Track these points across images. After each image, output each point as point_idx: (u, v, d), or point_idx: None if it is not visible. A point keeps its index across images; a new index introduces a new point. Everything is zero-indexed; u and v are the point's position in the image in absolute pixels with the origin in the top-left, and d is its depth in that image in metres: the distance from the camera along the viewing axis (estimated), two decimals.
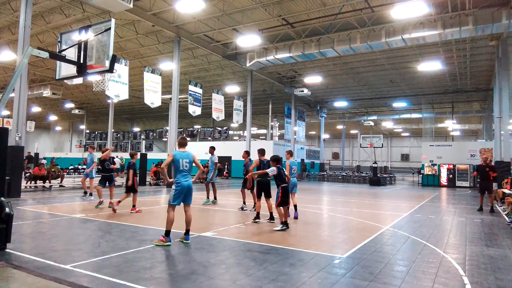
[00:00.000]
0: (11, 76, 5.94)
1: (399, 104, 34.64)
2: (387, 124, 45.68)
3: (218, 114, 23.43)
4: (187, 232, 6.14)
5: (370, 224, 8.55)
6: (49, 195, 13.38)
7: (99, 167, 11.19)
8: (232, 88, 28.02)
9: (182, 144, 6.41)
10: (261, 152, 9.48)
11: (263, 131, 51.13)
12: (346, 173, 33.93)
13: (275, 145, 32.10)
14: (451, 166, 25.54)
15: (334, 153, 59.76)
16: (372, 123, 42.36)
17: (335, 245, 6.37)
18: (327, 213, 10.78)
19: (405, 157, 55.43)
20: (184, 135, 40.73)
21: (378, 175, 27.61)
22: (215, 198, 11.94)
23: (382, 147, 31.75)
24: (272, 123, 37.45)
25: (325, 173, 33.88)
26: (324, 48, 18.66)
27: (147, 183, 20.37)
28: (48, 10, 16.98)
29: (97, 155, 12.17)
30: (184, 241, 6.08)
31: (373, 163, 27.62)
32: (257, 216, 8.36)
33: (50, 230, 7.08)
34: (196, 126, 44.35)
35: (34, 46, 6.27)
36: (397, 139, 56.66)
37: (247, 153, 11.39)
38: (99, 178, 10.87)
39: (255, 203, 9.11)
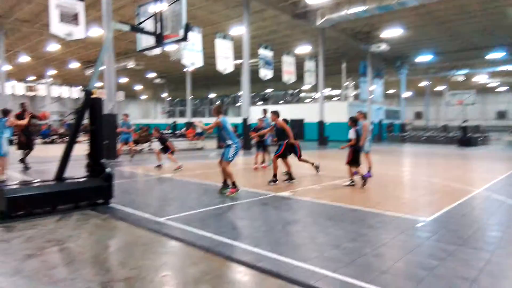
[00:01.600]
0: (99, 50, 6.49)
1: (494, 55, 30.28)
2: (480, 79, 40.52)
3: (289, 76, 23.10)
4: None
5: (459, 187, 7.93)
6: (141, 157, 14.82)
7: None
8: (303, 49, 27.16)
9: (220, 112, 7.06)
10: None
11: (337, 92, 49.30)
12: (431, 133, 31.41)
13: (349, 106, 30.86)
14: None
15: (417, 112, 55.49)
16: (461, 78, 38.00)
17: (418, 207, 6.08)
18: (408, 175, 10.25)
19: (501, 115, 49.27)
20: (256, 99, 41.26)
21: (469, 135, 25.11)
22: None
23: (473, 104, 28.57)
24: (347, 83, 35.83)
25: (406, 133, 31.85)
26: None
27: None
28: None
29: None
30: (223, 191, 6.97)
31: (463, 122, 25.11)
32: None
33: (144, 187, 7.92)
34: (268, 90, 44.50)
35: (117, 21, 6.72)
36: (491, 95, 50.29)
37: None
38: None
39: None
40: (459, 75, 37.00)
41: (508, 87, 46.26)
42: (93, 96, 6.15)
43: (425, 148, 22.38)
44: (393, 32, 23.56)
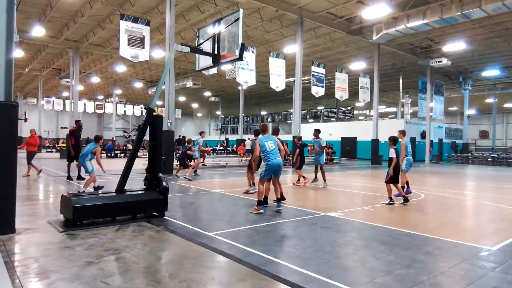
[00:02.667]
0: (161, 71, 6.96)
1: None
2: None
3: (341, 93, 22.77)
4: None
5: None
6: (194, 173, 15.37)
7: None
8: (357, 65, 26.68)
9: (264, 130, 7.39)
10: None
11: (393, 109, 47.41)
12: (497, 154, 28.83)
13: (406, 124, 29.48)
14: None
15: (482, 131, 51.30)
16: None
17: (482, 235, 5.59)
18: (472, 199, 9.48)
19: None
20: (307, 116, 41.06)
21: None
22: (315, 177, 11.45)
23: None
24: (403, 100, 34.35)
25: (470, 154, 29.57)
26: (468, 8, 15.96)
27: None
28: (187, 9, 19.11)
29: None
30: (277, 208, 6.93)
31: None
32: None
33: (196, 202, 8.20)
34: (320, 107, 44.12)
35: (178, 43, 7.18)
36: None
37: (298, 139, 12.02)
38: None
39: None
40: None
41: None
42: (154, 113, 6.57)
43: (490, 170, 20.57)
44: (455, 46, 22.34)
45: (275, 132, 8.50)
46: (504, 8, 15.40)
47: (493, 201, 8.91)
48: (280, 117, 46.47)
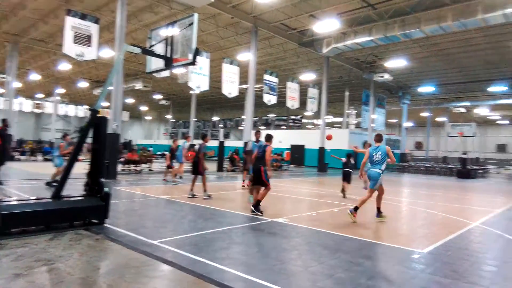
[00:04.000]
0: (109, 71, 6.68)
1: (496, 88, 30.56)
2: (481, 111, 40.74)
3: (292, 102, 23.38)
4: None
5: (456, 219, 7.86)
6: (140, 178, 14.84)
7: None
8: (308, 76, 27.62)
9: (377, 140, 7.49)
10: None
11: (339, 119, 49.63)
12: (430, 164, 31.33)
13: (351, 134, 31.01)
14: None
15: (417, 142, 55.54)
16: (462, 110, 38.24)
17: (415, 239, 6.01)
18: (407, 205, 10.18)
19: (501, 148, 49.17)
20: (259, 124, 41.59)
21: (468, 167, 25.02)
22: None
23: (474, 136, 28.64)
24: (349, 111, 36.12)
25: (406, 163, 31.74)
26: (409, 29, 17.28)
27: (224, 169, 21.33)
28: (139, 9, 18.53)
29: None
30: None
31: (462, 154, 25.09)
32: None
33: (140, 209, 7.91)
34: (271, 115, 44.93)
35: (128, 43, 6.95)
36: (492, 128, 50.37)
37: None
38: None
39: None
40: (460, 106, 37.27)
41: (509, 121, 46.41)
42: (99, 115, 6.26)
43: (424, 179, 22.27)
44: (396, 63, 24.00)
45: (204, 137, 9.62)
46: (440, 30, 16.89)
47: (425, 207, 9.64)
48: (232, 123, 46.56)
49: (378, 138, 7.49)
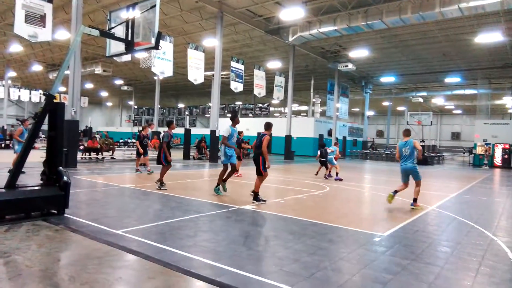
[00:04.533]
0: (65, 54, 6.30)
1: (451, 79, 32.30)
2: (438, 101, 43.00)
3: (259, 90, 23.38)
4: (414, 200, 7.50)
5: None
6: (102, 166, 14.32)
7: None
8: (274, 64, 27.67)
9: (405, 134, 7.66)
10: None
11: (305, 107, 50.38)
12: (390, 151, 32.74)
13: (316, 122, 31.62)
14: (507, 146, 23.77)
15: (379, 130, 57.71)
16: (421, 100, 40.09)
17: (376, 223, 6.28)
18: (368, 191, 10.58)
19: (455, 136, 52.27)
20: (226, 111, 41.31)
21: (426, 154, 26.41)
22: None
23: (431, 124, 30.22)
24: (314, 100, 36.73)
25: (368, 151, 32.95)
26: (371, 20, 17.71)
27: (190, 157, 21.07)
28: None
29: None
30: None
31: (420, 141, 26.40)
32: None
33: (103, 198, 7.64)
34: (238, 103, 44.73)
35: (86, 25, 6.57)
36: (447, 117, 53.35)
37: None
38: None
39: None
40: (418, 96, 39.06)
41: (462, 110, 49.32)
42: (55, 100, 5.91)
43: (384, 165, 23.26)
44: (359, 53, 24.59)
45: (169, 124, 9.31)
46: (401, 22, 17.44)
47: (385, 192, 10.04)
48: (198, 110, 45.85)
49: (407, 133, 7.64)
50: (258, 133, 7.97)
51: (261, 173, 7.52)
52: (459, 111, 50.18)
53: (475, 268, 4.08)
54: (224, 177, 8.24)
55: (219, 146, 11.68)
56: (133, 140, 33.25)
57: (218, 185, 8.19)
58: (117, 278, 3.42)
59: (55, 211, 5.57)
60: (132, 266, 3.84)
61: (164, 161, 8.91)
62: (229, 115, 8.82)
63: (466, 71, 29.93)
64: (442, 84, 35.88)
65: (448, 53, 25.82)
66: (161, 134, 9.83)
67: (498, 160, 24.19)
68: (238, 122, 8.33)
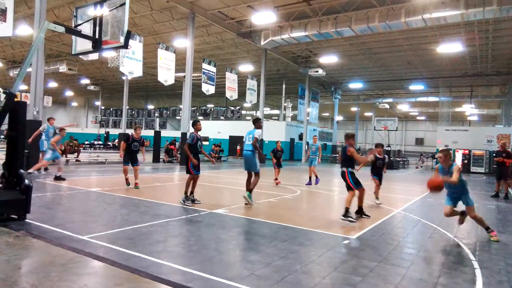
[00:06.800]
0: (28, 50, 6.01)
1: (415, 87, 33.82)
2: (403, 107, 44.85)
3: (231, 93, 23.35)
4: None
5: (381, 206, 8.55)
6: (66, 169, 13.73)
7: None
8: (246, 67, 27.76)
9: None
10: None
11: (276, 111, 50.85)
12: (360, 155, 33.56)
13: (287, 126, 31.97)
14: (466, 152, 25.10)
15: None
16: (387, 106, 41.69)
17: (345, 226, 6.41)
18: (337, 194, 10.81)
19: (419, 141, 54.66)
20: (197, 114, 40.92)
21: (391, 158, 27.37)
22: None
23: (396, 130, 31.41)
24: (285, 104, 37.16)
25: (337, 155, 33.67)
26: (341, 27, 18.19)
27: (160, 160, 20.66)
28: None
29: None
30: None
31: (387, 146, 27.35)
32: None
33: (67, 202, 7.32)
34: (209, 105, 44.43)
35: (50, 21, 6.30)
36: (412, 123, 55.75)
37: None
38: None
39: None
40: (385, 102, 40.53)
41: (425, 117, 51.67)
42: (16, 99, 5.61)
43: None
44: (329, 59, 25.18)
45: (194, 123, 7.87)
46: (369, 30, 18.03)
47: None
48: (168, 112, 45.06)
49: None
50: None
51: (351, 188, 6.88)
52: (422, 118, 52.56)
53: (438, 269, 4.26)
54: (250, 186, 7.77)
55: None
56: (99, 142, 32.17)
57: (250, 191, 7.74)
58: (82, 285, 3.27)
59: (15, 216, 5.27)
60: (98, 273, 3.70)
61: (192, 169, 7.50)
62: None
63: (429, 79, 31.40)
64: (407, 91, 37.45)
65: (412, 62, 26.98)
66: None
67: (458, 165, 25.48)
68: (260, 127, 8.02)
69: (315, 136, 13.84)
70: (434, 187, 5.53)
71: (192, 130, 7.68)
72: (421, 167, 31.10)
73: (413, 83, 32.90)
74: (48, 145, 10.71)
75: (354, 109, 46.91)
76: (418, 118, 53.15)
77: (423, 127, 55.13)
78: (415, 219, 7.21)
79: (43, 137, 10.96)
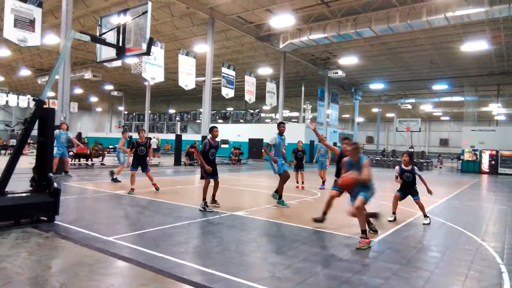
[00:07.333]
0: (55, 59, 6.26)
1: (439, 87, 32.91)
2: (426, 108, 43.70)
3: (250, 96, 23.46)
4: None
5: (404, 209, 8.37)
6: (92, 173, 14.16)
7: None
8: (265, 70, 27.83)
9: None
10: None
11: (295, 113, 50.65)
12: (380, 157, 33.04)
13: (307, 128, 31.75)
14: (494, 152, 24.24)
15: (368, 137, 58.29)
16: (409, 106, 40.72)
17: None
18: None
19: (444, 142, 53.09)
20: (217, 117, 41.31)
21: (415, 160, 26.74)
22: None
23: (419, 131, 30.63)
24: (305, 106, 36.99)
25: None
26: (360, 28, 18.00)
27: (182, 163, 20.97)
28: None
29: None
30: None
31: (409, 148, 26.75)
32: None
33: (93, 204, 7.56)
34: (229, 108, 44.77)
35: (76, 30, 6.55)
36: (436, 123, 54.22)
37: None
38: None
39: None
40: (407, 103, 39.65)
41: (450, 117, 50.18)
42: (45, 106, 5.87)
43: (375, 171, 23.46)
44: (349, 60, 24.89)
45: (211, 130, 7.48)
46: (389, 30, 17.75)
47: (375, 198, 10.13)
48: (189, 116, 45.72)
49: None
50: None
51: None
52: (447, 118, 51.04)
53: (464, 272, 4.15)
54: (278, 188, 8.00)
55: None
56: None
57: (280, 197, 7.97)
58: (108, 285, 3.39)
59: (45, 218, 5.50)
60: (124, 273, 3.82)
61: (205, 174, 7.44)
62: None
63: (453, 78, 30.53)
64: (430, 91, 36.52)
65: (435, 61, 26.32)
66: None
67: (485, 166, 24.61)
68: (283, 131, 8.15)
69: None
70: (346, 186, 5.35)
71: (210, 136, 7.50)
72: (440, 167, 30.31)
73: (436, 82, 32.06)
74: (57, 151, 11.40)
75: (375, 110, 46.09)
76: (442, 118, 51.64)
77: (447, 127, 53.52)
78: (439, 222, 7.04)
79: (55, 143, 10.97)
